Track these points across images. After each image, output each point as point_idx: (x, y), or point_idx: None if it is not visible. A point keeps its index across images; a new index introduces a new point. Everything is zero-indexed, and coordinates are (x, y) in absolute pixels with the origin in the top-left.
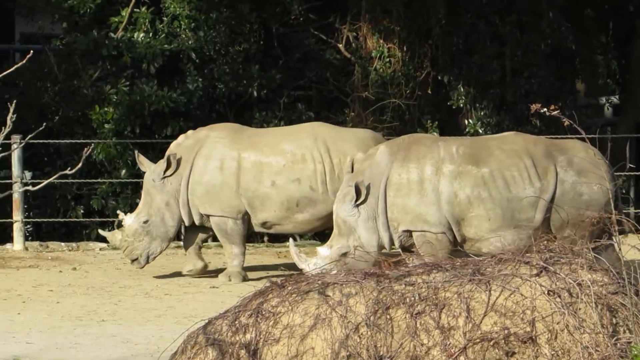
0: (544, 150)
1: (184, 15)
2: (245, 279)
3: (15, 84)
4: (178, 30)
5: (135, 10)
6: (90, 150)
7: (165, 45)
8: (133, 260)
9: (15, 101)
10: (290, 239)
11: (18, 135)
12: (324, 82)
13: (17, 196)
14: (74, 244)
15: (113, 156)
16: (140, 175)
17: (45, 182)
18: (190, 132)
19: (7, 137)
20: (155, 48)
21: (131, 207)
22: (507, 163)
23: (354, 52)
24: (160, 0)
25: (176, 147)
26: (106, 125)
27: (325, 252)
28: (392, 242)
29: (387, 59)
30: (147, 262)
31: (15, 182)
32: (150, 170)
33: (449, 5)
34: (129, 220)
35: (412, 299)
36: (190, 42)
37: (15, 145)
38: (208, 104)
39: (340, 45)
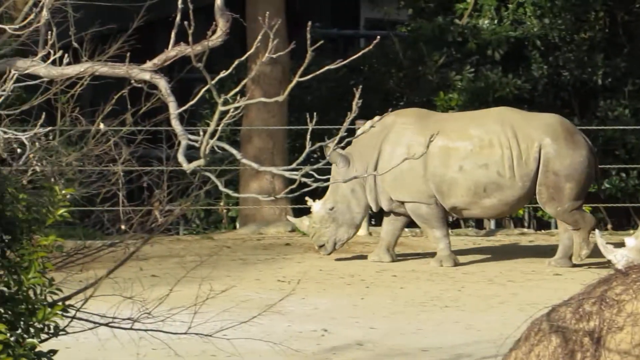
0: None
1: (529, 2)
2: (456, 262)
3: (361, 70)
4: (523, 17)
5: None
6: (435, 136)
7: (510, 32)
8: (320, 247)
9: (360, 87)
10: (597, 230)
11: (362, 121)
12: None
13: None
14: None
15: None
16: None
17: (398, 164)
18: (376, 118)
19: (352, 122)
20: (500, 35)
21: None
22: None
23: None
24: None
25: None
26: (451, 112)
27: (631, 243)
28: None
29: None
30: (334, 248)
31: None
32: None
33: None
34: (316, 207)
35: None
36: (535, 29)
37: (360, 130)
38: (552, 92)
39: None
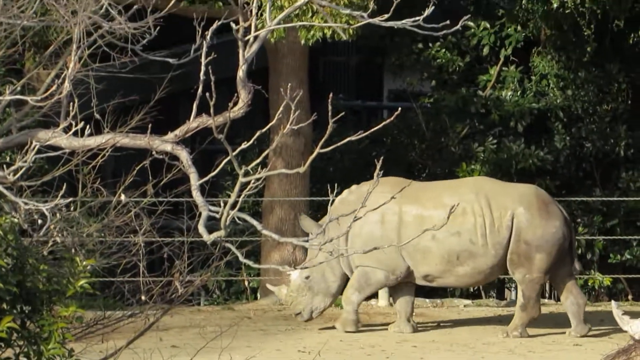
0: None
1: (552, 74)
2: (357, 327)
3: (383, 141)
4: (546, 89)
5: (503, 68)
6: (455, 208)
7: (533, 104)
8: (296, 315)
9: (382, 158)
10: (613, 301)
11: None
12: None
13: None
14: (438, 301)
15: None
16: None
17: (416, 236)
18: (354, 187)
19: None
20: (523, 106)
21: None
22: None
23: None
24: (528, 59)
25: (340, 202)
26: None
27: None
28: None
29: None
30: (311, 317)
31: None
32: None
33: None
34: (294, 275)
35: None
36: (558, 101)
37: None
38: (575, 163)
39: None
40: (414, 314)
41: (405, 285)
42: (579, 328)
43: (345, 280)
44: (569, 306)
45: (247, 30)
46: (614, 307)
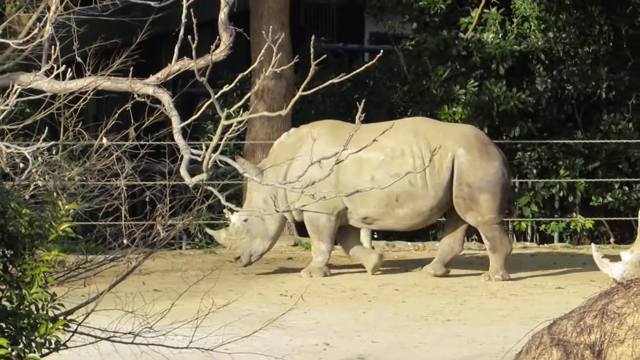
0: None
1: (533, 16)
2: (326, 274)
3: (365, 84)
4: (527, 31)
5: (485, 11)
6: (438, 150)
7: (515, 46)
8: (236, 259)
9: (364, 100)
10: (593, 244)
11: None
12: None
13: None
14: (420, 244)
15: None
16: None
17: (394, 181)
18: (292, 130)
19: None
20: (505, 49)
21: None
22: None
23: None
24: (510, 2)
25: (278, 145)
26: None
27: (627, 257)
28: None
29: None
30: (250, 261)
31: None
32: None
33: None
34: (233, 218)
35: None
36: (539, 43)
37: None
38: (556, 105)
39: None
40: (395, 257)
41: (348, 233)
42: (437, 267)
43: (284, 222)
44: (444, 245)
45: None
46: (594, 251)
